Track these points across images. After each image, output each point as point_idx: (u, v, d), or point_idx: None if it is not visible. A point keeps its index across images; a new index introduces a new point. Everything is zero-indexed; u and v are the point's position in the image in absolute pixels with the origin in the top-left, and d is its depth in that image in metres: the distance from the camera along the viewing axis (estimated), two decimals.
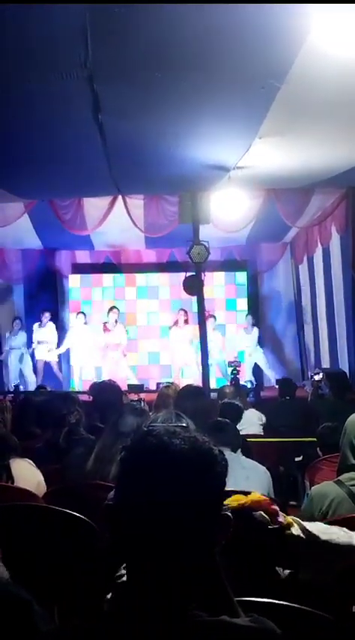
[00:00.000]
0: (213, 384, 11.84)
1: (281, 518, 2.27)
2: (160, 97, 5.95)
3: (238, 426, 6.46)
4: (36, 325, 14.45)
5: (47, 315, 14.52)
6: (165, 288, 15.25)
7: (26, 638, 1.07)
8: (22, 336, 14.44)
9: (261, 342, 14.42)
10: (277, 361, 15.02)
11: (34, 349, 14.39)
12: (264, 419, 7.62)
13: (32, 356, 14.44)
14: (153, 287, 15.43)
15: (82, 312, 14.56)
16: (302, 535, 2.27)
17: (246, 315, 14.69)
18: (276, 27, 4.46)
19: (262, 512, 2.25)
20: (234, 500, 2.25)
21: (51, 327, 14.47)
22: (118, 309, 14.19)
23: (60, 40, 4.62)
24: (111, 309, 14.14)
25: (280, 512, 2.30)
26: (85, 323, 14.38)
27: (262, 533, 2.22)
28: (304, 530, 2.29)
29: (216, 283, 14.99)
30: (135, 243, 13.80)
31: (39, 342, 14.34)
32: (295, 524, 2.29)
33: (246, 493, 2.32)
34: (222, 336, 14.32)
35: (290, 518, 2.31)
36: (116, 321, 13.94)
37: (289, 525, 2.27)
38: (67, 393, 9.49)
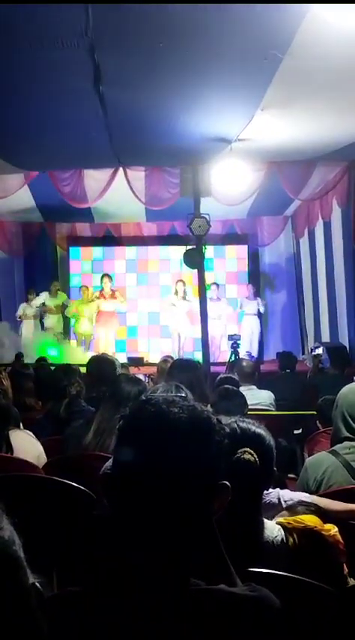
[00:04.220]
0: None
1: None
2: (162, 68, 5.90)
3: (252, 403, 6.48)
4: (46, 294, 14.31)
5: (56, 284, 14.51)
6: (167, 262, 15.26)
7: (10, 594, 1.04)
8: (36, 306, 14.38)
9: (259, 314, 14.44)
10: (277, 335, 15.03)
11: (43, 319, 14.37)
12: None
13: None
14: (154, 259, 15.42)
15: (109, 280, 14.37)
16: None
17: (248, 284, 14.72)
18: None
19: (338, 535, 2.27)
20: (311, 520, 2.29)
21: (62, 296, 14.46)
22: (111, 277, 14.21)
23: (60, 8, 4.56)
24: (103, 276, 14.18)
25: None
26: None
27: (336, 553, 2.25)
28: None
29: (216, 256, 14.99)
30: (136, 216, 13.76)
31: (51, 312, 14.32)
32: None
33: None
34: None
35: None
36: (111, 290, 13.99)
37: None
38: (67, 364, 9.49)
